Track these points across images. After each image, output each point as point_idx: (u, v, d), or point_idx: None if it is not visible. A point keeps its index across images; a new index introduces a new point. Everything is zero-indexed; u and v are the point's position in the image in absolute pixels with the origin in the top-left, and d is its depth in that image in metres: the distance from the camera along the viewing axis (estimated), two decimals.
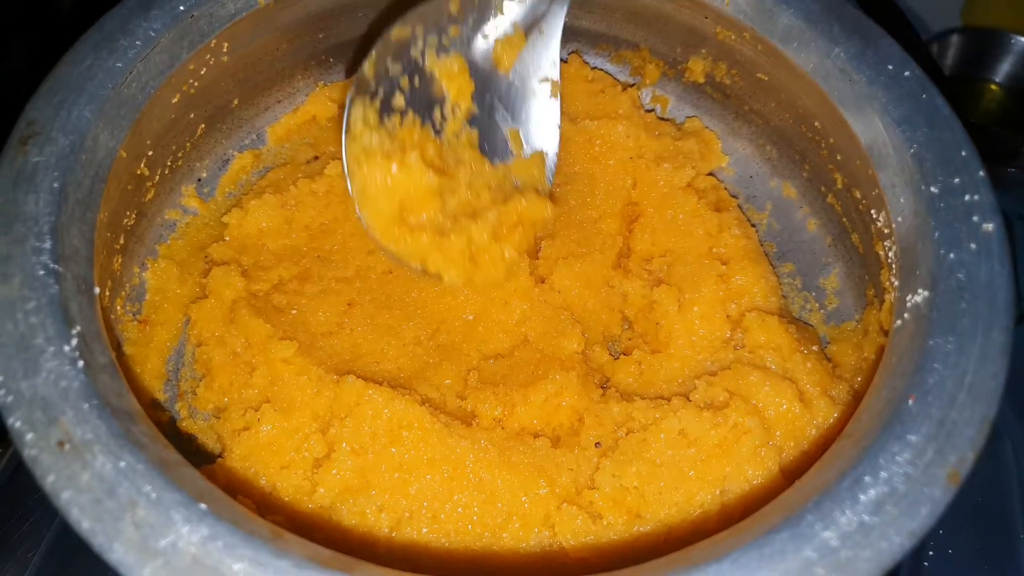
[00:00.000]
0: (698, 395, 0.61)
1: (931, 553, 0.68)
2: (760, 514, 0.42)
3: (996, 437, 0.73)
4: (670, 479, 0.57)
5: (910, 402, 0.43)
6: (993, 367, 0.45)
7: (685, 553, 0.40)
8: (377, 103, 0.62)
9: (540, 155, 0.65)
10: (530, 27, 0.65)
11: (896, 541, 0.39)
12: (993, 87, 1.24)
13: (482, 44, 0.65)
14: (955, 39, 1.23)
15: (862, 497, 0.40)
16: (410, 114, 0.63)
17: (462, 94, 0.65)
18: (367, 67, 0.61)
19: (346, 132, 0.61)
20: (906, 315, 0.49)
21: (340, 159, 0.70)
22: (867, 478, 0.41)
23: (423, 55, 0.63)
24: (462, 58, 0.64)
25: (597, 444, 0.61)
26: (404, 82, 0.63)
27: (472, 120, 0.65)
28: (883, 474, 0.41)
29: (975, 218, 0.50)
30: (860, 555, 0.38)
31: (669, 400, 0.61)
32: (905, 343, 0.48)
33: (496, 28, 0.64)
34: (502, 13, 0.64)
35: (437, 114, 0.64)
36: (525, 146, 0.66)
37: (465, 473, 0.57)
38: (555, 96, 0.64)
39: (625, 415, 0.61)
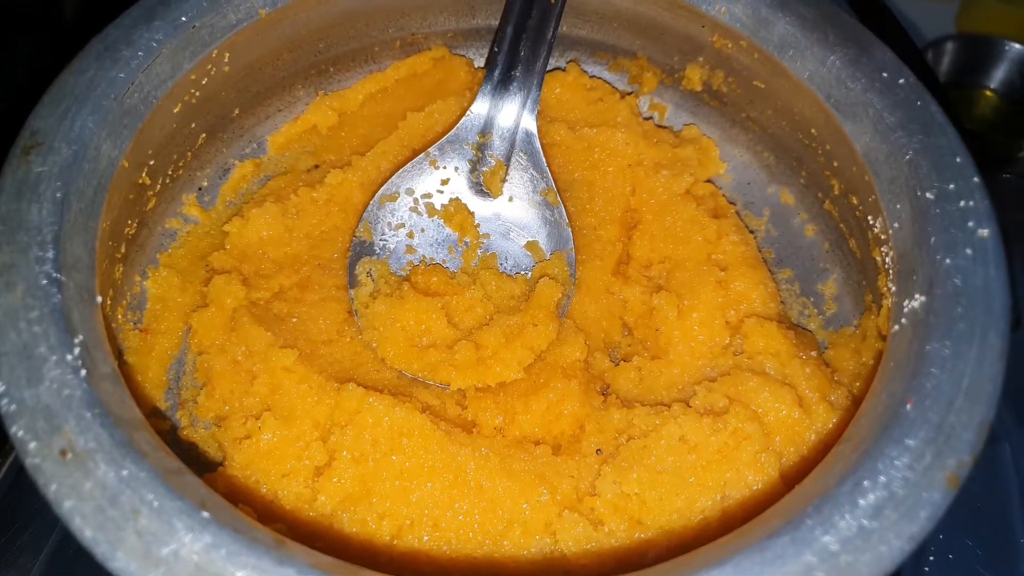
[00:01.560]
0: (698, 401, 0.61)
1: (931, 558, 0.68)
2: (761, 519, 0.42)
3: (995, 442, 0.74)
4: (671, 485, 0.57)
5: (908, 406, 0.44)
6: (990, 371, 0.45)
7: (687, 558, 0.40)
8: (386, 258, 0.68)
9: (560, 254, 0.68)
10: (508, 155, 0.69)
11: (896, 545, 0.39)
12: (988, 93, 1.24)
13: (473, 180, 0.70)
14: (950, 46, 1.23)
15: (861, 502, 0.40)
16: (423, 258, 0.69)
17: (467, 229, 0.70)
18: (362, 232, 0.67)
19: (351, 287, 0.67)
20: (903, 320, 0.50)
21: (341, 168, 0.71)
22: (866, 482, 0.41)
23: (422, 207, 0.69)
24: (458, 199, 0.70)
25: (598, 451, 0.61)
26: (409, 234, 0.69)
27: (488, 246, 0.70)
28: (882, 478, 0.41)
29: (970, 224, 0.51)
30: (860, 559, 0.39)
31: (669, 406, 0.62)
32: (903, 348, 0.48)
33: (479, 164, 0.69)
34: (480, 154, 0.69)
35: (451, 251, 0.69)
36: (545, 251, 0.70)
37: (466, 481, 0.58)
38: (556, 204, 0.69)
39: (626, 422, 0.62)
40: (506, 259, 0.69)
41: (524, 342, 0.63)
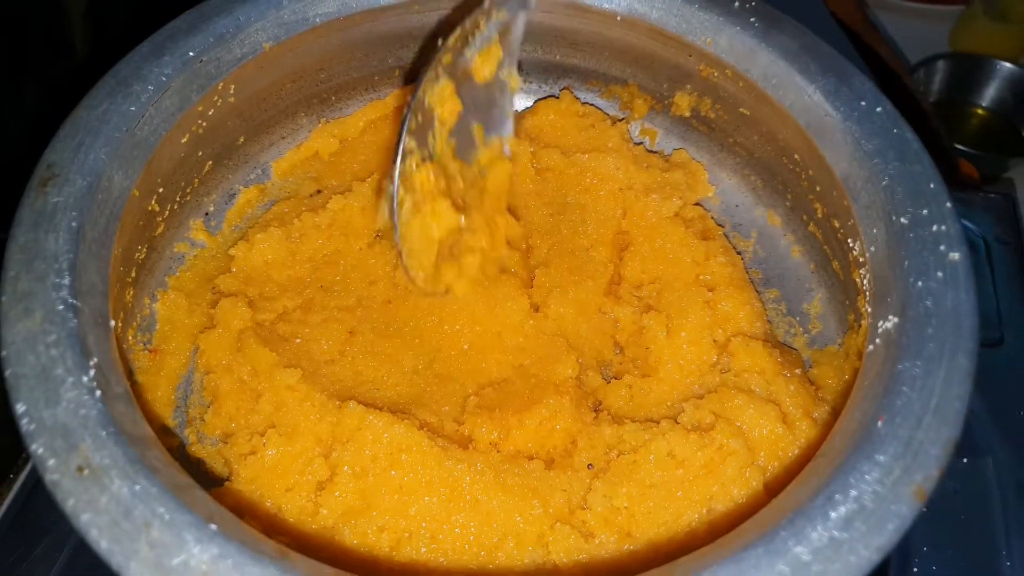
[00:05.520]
0: (685, 417, 0.63)
1: (915, 570, 0.70)
2: (738, 531, 0.44)
3: (979, 455, 0.76)
4: (659, 499, 0.59)
5: (879, 423, 0.46)
6: (958, 390, 0.47)
7: (667, 568, 0.42)
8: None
9: (498, 140, 0.67)
10: (503, 35, 0.66)
11: (864, 555, 0.41)
12: (979, 111, 1.27)
13: (463, 62, 0.66)
14: (941, 64, 1.26)
15: (832, 514, 0.43)
16: (422, 154, 0.64)
17: (452, 115, 0.65)
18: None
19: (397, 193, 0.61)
20: (878, 340, 0.52)
21: (342, 193, 0.73)
22: (838, 496, 0.43)
23: (424, 94, 0.65)
24: (451, 82, 0.64)
25: (589, 466, 0.63)
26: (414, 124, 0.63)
27: (451, 133, 0.66)
28: (853, 492, 0.43)
29: (942, 247, 0.53)
30: (830, 568, 0.41)
31: (658, 423, 0.64)
32: (876, 367, 0.50)
33: (476, 43, 0.65)
34: (485, 30, 0.65)
35: (431, 138, 0.65)
36: (486, 135, 0.67)
37: (462, 495, 0.60)
38: (514, 90, 0.67)
39: (616, 438, 0.64)
40: (459, 146, 0.66)
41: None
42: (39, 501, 0.69)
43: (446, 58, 0.63)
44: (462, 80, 0.64)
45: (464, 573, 0.56)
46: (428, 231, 0.62)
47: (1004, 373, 0.82)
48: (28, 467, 0.72)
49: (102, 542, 0.40)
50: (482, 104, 0.66)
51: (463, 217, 0.64)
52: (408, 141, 0.60)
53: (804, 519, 0.42)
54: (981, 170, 1.12)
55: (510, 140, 0.68)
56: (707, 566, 0.41)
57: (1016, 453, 0.76)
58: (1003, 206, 0.94)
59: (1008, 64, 1.24)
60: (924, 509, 0.73)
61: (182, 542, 0.40)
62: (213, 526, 0.41)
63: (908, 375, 0.48)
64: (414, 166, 0.61)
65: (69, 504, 0.41)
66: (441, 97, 0.64)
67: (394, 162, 0.59)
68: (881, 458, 0.44)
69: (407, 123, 0.59)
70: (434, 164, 0.62)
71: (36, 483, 0.71)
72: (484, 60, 0.65)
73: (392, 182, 0.59)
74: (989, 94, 1.27)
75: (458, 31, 0.62)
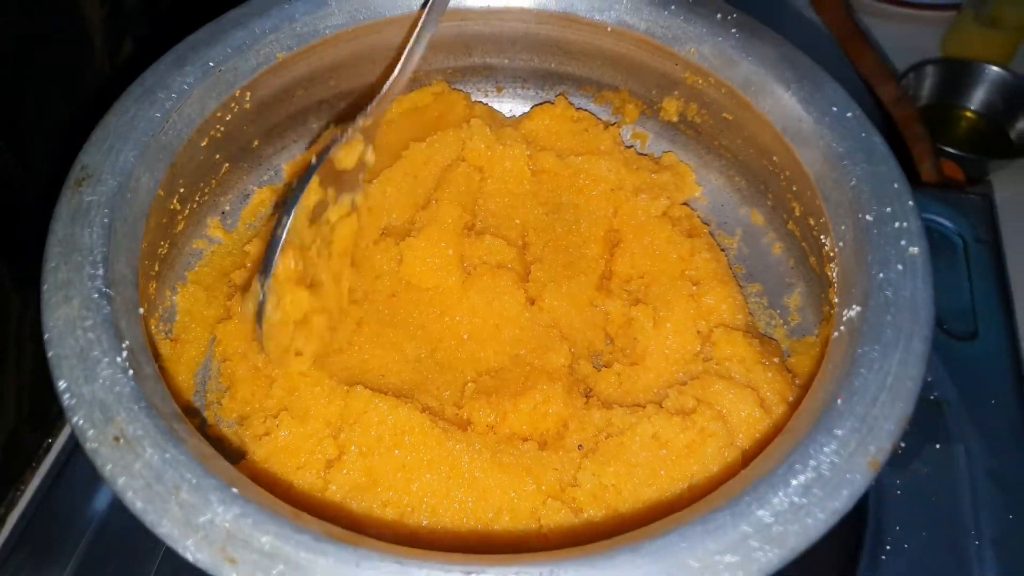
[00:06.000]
0: (670, 403, 0.68)
1: (888, 548, 0.74)
2: (708, 499, 0.49)
3: (952, 443, 0.80)
4: (643, 477, 0.64)
5: (839, 401, 0.50)
6: (912, 371, 0.51)
7: (641, 530, 0.47)
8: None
9: (349, 198, 0.68)
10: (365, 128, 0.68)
11: (821, 518, 0.46)
12: (968, 114, 1.31)
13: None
14: (931, 69, 1.30)
15: (793, 482, 0.47)
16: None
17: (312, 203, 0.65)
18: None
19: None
20: (842, 327, 0.56)
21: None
22: (798, 466, 0.48)
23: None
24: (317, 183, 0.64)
25: (580, 447, 0.68)
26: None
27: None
28: (812, 462, 0.48)
29: (903, 242, 0.57)
30: (789, 529, 0.45)
31: (644, 407, 0.68)
32: (840, 352, 0.55)
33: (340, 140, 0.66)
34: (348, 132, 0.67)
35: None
36: (338, 196, 0.67)
37: (461, 472, 0.64)
38: (370, 163, 0.69)
39: (605, 421, 0.68)
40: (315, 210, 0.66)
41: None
42: (56, 499, 0.75)
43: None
44: (324, 174, 0.65)
45: (463, 540, 0.61)
46: (286, 318, 0.64)
47: (978, 365, 0.86)
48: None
49: (137, 503, 0.45)
50: (342, 181, 0.67)
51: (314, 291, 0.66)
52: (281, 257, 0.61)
53: (767, 486, 0.47)
54: (968, 172, 1.16)
55: (359, 194, 0.69)
56: (677, 528, 0.45)
57: (987, 441, 0.80)
58: (981, 206, 0.98)
59: (996, 68, 1.27)
60: (898, 492, 0.78)
61: (208, 503, 0.45)
62: (235, 489, 0.46)
63: (867, 358, 0.52)
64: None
65: (107, 469, 0.46)
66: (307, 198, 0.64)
67: (264, 273, 0.60)
68: (839, 432, 0.49)
69: (280, 241, 0.60)
70: (292, 246, 0.63)
71: (52, 483, 0.77)
72: (347, 152, 0.67)
73: (262, 291, 0.60)
74: (978, 97, 1.30)
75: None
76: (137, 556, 0.72)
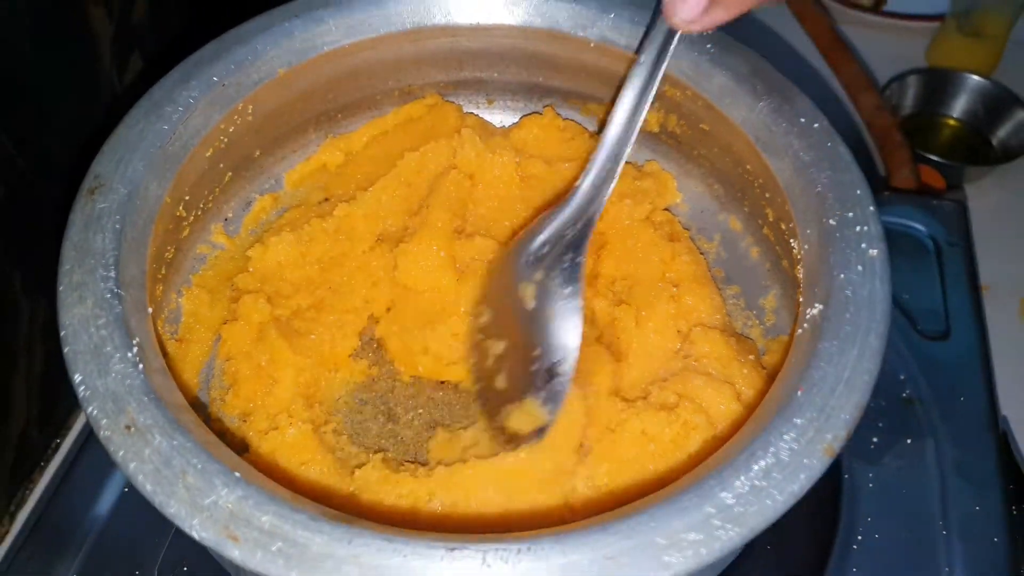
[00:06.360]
0: (653, 399, 0.71)
1: (859, 538, 0.78)
2: (676, 484, 0.52)
3: (922, 437, 0.84)
4: (634, 474, 0.67)
5: (799, 393, 0.54)
6: (868, 365, 0.55)
7: (614, 512, 0.50)
8: None
9: None
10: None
11: (779, 499, 0.49)
12: (951, 122, 1.34)
13: None
14: (913, 79, 1.34)
15: (754, 466, 0.51)
16: None
17: None
18: None
19: None
20: (806, 324, 0.60)
21: (347, 201, 0.81)
22: (759, 452, 0.51)
23: None
24: None
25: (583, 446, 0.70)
26: None
27: None
28: (772, 449, 0.51)
29: (863, 245, 0.61)
30: (749, 510, 0.49)
31: (634, 402, 0.72)
32: (803, 347, 0.58)
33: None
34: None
35: None
36: None
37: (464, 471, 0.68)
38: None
39: (595, 416, 0.71)
40: None
41: None
42: (60, 503, 0.78)
43: None
44: None
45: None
46: None
47: (949, 364, 0.90)
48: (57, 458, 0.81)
49: (147, 485, 0.49)
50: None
51: None
52: None
53: (730, 471, 0.51)
54: (948, 178, 1.19)
55: None
56: (647, 509, 0.49)
57: (955, 436, 0.84)
58: (955, 211, 1.02)
59: (977, 77, 1.31)
60: (871, 486, 0.82)
61: (212, 486, 0.49)
62: (237, 474, 0.50)
63: (826, 353, 0.56)
64: None
65: (120, 455, 0.50)
66: None
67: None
68: (798, 421, 0.53)
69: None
70: None
71: (67, 473, 0.81)
72: None
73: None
74: (960, 106, 1.34)
75: None
76: (141, 552, 0.75)
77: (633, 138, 0.70)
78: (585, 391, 0.72)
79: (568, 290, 0.69)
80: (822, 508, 0.79)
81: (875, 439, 0.83)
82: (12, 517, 0.79)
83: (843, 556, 0.76)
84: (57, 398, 0.84)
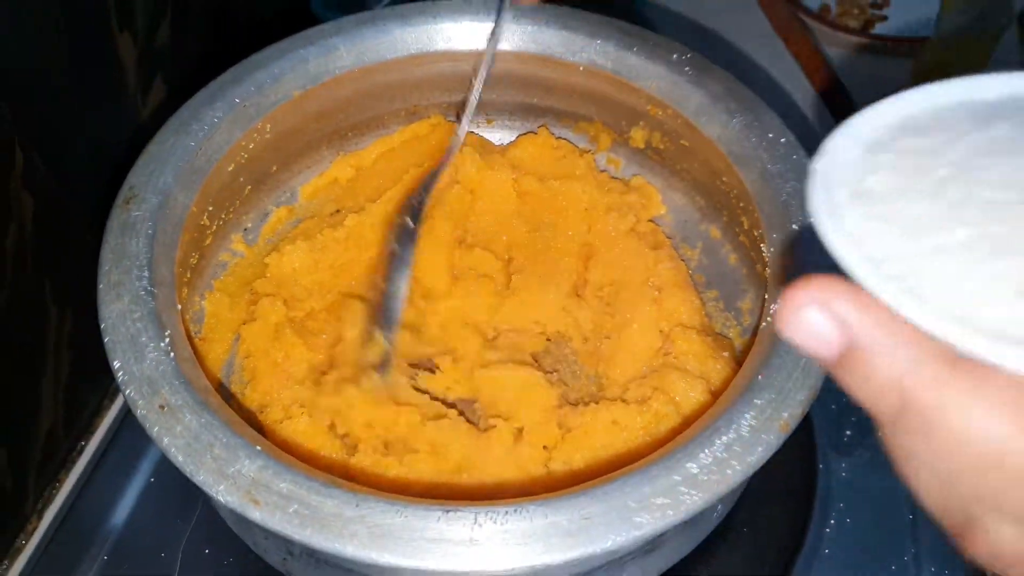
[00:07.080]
0: (631, 394, 0.78)
1: (832, 522, 0.83)
2: (647, 459, 0.58)
3: None
4: (608, 458, 0.73)
5: (760, 377, 0.60)
6: None
7: (588, 483, 0.56)
8: None
9: None
10: None
11: (739, 469, 0.55)
12: None
13: None
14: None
15: (717, 441, 0.56)
16: None
17: None
18: None
19: None
20: (769, 318, 0.66)
21: (357, 212, 0.88)
22: (723, 428, 0.57)
23: None
24: None
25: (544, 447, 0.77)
26: None
27: None
28: (734, 426, 0.57)
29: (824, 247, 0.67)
30: (712, 478, 0.55)
31: (613, 400, 0.78)
32: (766, 339, 0.65)
33: None
34: None
35: None
36: None
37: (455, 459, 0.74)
38: None
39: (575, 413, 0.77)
40: None
41: None
42: (80, 507, 0.84)
43: None
44: None
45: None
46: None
47: None
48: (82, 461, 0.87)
49: (179, 456, 0.55)
50: None
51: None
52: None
53: (696, 445, 0.57)
54: None
55: None
56: (620, 478, 0.55)
57: None
58: None
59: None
60: (844, 475, 0.87)
61: (236, 457, 0.55)
62: (258, 447, 0.56)
63: (785, 343, 0.62)
64: None
65: (155, 431, 0.56)
66: None
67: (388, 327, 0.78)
68: (758, 401, 0.59)
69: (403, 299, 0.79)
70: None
71: (90, 477, 0.87)
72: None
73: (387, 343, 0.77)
74: None
75: None
76: (162, 546, 0.81)
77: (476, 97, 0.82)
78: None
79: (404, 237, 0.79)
80: (798, 496, 0.84)
81: (848, 432, 0.89)
82: (40, 515, 0.84)
83: (818, 536, 0.82)
84: (82, 403, 0.89)
